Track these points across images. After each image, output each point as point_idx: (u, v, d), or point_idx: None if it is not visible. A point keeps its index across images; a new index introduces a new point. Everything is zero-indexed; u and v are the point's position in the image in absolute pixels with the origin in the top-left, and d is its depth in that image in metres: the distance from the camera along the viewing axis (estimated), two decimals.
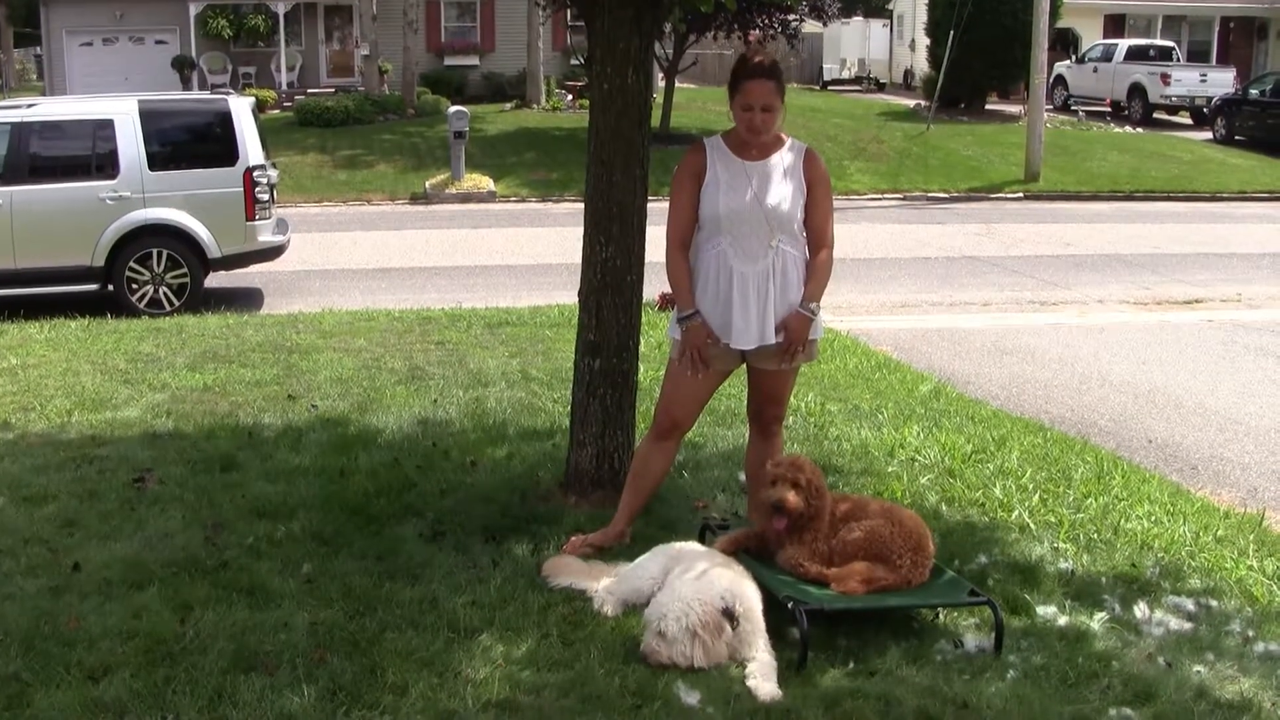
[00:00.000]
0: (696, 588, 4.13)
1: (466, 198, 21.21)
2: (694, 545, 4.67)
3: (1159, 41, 35.58)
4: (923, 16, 33.79)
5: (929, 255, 16.06)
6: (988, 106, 31.88)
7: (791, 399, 5.73)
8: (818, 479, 4.59)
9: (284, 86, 31.29)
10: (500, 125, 27.12)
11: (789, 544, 4.56)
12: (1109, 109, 33.06)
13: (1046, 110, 25.39)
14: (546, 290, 12.29)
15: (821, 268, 4.88)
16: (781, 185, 4.81)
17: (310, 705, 3.73)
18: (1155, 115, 32.22)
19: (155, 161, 11.88)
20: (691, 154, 4.95)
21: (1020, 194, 22.91)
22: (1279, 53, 39.68)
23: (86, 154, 11.96)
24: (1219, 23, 39.17)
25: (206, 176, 12.04)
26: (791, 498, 4.50)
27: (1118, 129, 30.58)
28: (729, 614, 4.06)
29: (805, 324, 4.84)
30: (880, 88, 40.67)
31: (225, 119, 12.17)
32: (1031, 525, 5.56)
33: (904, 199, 22.43)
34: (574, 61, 30.83)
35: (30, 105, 12.72)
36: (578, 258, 5.64)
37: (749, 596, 4.19)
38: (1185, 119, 32.55)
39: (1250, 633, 4.51)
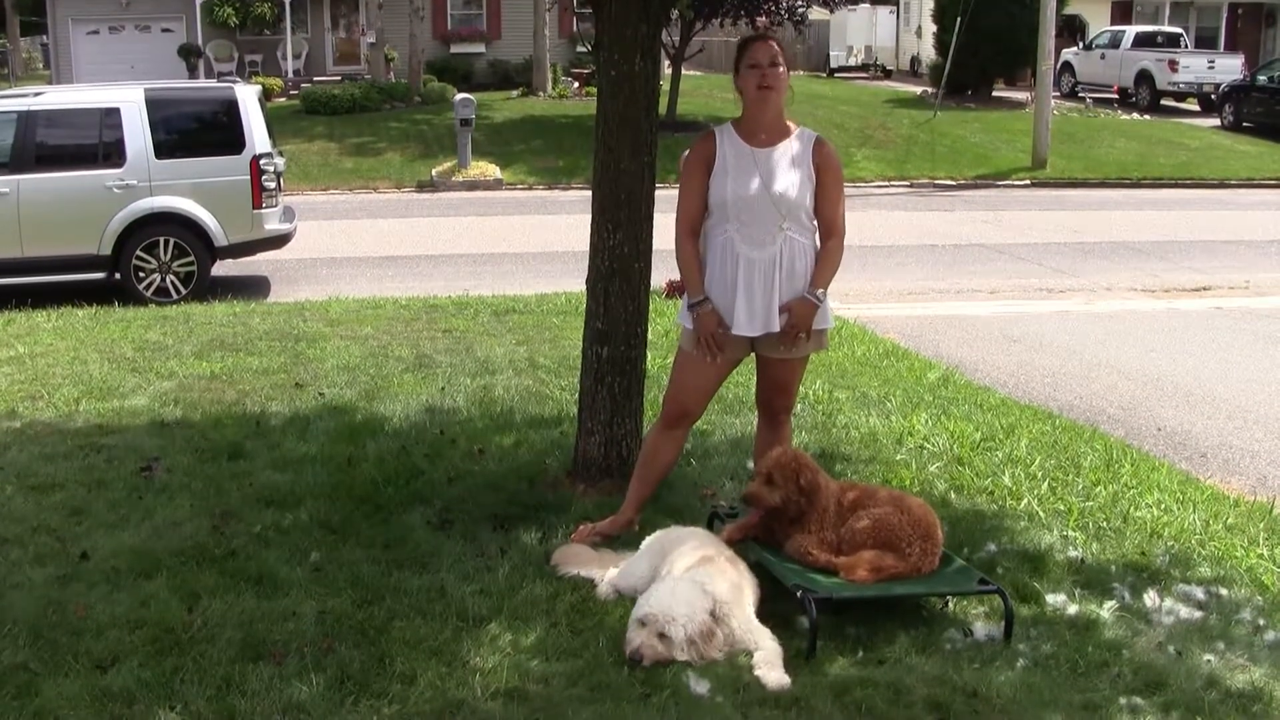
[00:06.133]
0: (687, 596, 4.04)
1: (473, 185, 21.19)
2: (682, 535, 4.55)
3: (1166, 28, 35.39)
4: (929, 3, 33.62)
5: (936, 243, 16.01)
6: (995, 93, 31.73)
7: (800, 387, 5.71)
8: (806, 476, 4.55)
9: (290, 74, 31.25)
10: (507, 113, 27.07)
11: (797, 532, 4.55)
12: (1116, 96, 32.93)
13: (1054, 97, 25.30)
14: (554, 278, 12.27)
15: (830, 255, 4.87)
16: (789, 173, 4.80)
17: (318, 694, 3.74)
18: (1163, 102, 32.05)
19: (162, 150, 11.88)
20: (701, 142, 4.94)
21: (1027, 181, 22.84)
22: None
23: (93, 142, 11.94)
24: (1227, 9, 38.97)
25: (213, 165, 12.04)
26: (761, 492, 4.53)
27: (1125, 116, 30.44)
28: (714, 615, 4.04)
29: (810, 309, 4.82)
30: (887, 75, 40.51)
31: (232, 107, 12.16)
32: (1040, 513, 5.54)
33: (911, 186, 22.36)
34: (580, 49, 30.72)
35: (37, 94, 12.72)
36: (585, 245, 5.62)
37: (725, 594, 4.11)
38: (1193, 105, 32.40)
39: (1260, 621, 4.50)
